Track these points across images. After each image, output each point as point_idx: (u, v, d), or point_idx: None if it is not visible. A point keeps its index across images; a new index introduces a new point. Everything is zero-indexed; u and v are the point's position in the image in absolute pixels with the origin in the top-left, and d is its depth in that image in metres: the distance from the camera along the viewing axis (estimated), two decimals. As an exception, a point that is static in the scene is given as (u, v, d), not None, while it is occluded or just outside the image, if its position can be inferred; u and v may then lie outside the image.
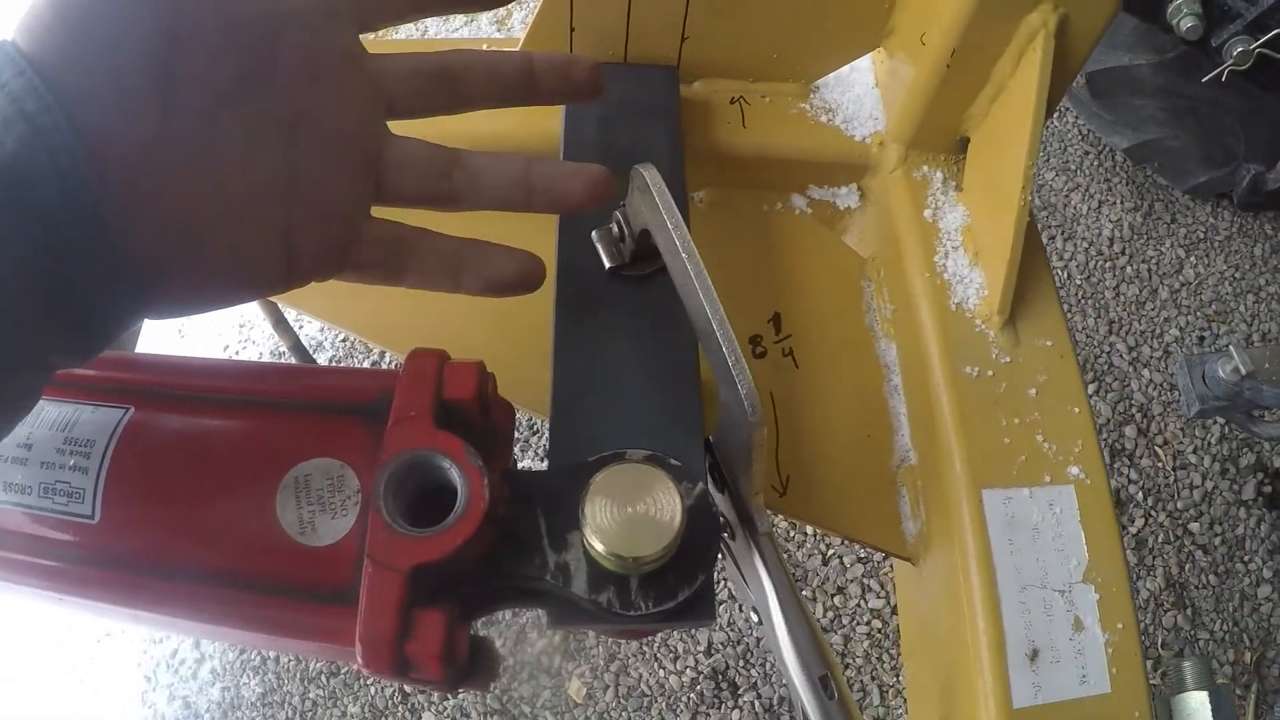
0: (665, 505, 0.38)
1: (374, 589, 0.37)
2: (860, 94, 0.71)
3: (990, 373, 0.59)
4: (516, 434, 0.47)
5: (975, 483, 0.55)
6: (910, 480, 0.60)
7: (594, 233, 0.53)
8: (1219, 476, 1.88)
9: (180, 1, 0.37)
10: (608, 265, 0.52)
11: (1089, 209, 2.15)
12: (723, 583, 1.71)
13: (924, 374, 0.60)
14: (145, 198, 0.36)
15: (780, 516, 0.58)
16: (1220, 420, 1.91)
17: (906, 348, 0.63)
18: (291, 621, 0.40)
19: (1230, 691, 0.63)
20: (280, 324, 1.44)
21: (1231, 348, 1.38)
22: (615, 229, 0.51)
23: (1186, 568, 1.80)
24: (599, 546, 0.38)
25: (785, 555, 0.49)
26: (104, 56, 0.35)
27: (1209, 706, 0.62)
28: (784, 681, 0.47)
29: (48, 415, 0.44)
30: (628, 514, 0.38)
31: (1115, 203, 2.16)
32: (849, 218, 0.71)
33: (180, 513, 0.42)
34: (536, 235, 0.56)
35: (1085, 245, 2.10)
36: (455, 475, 0.39)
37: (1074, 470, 0.57)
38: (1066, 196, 2.17)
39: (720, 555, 0.55)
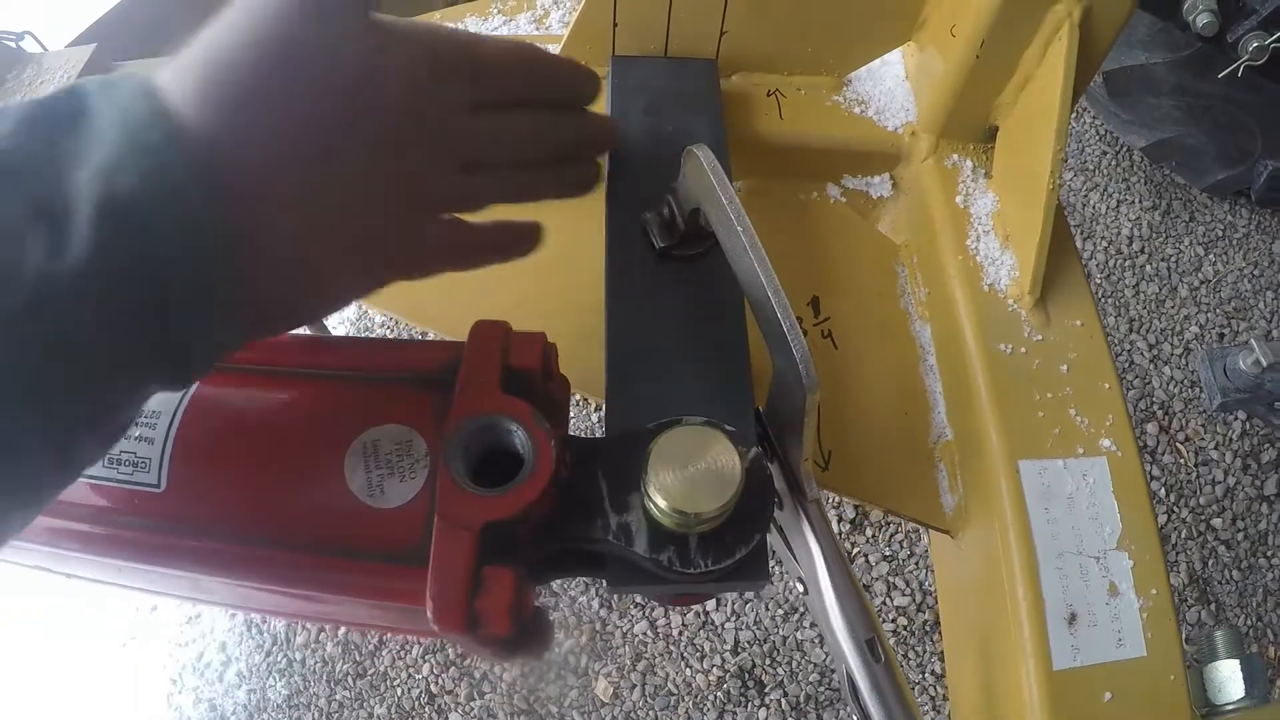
0: (725, 462, 0.40)
1: (445, 546, 0.38)
2: (892, 86, 0.73)
3: (1023, 350, 0.61)
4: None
5: (1011, 455, 0.57)
6: (947, 455, 0.62)
7: (645, 215, 0.55)
8: (1241, 472, 1.88)
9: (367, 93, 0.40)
10: (659, 245, 0.54)
11: (1107, 208, 2.16)
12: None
13: (959, 352, 0.62)
14: (267, 254, 0.38)
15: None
16: (1242, 415, 1.92)
17: (941, 328, 0.65)
18: (361, 583, 0.42)
19: (1261, 660, 0.64)
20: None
21: (1252, 340, 1.39)
22: (666, 210, 0.53)
23: (1209, 563, 1.80)
24: (662, 503, 0.40)
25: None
26: (262, 130, 0.37)
27: (1241, 675, 0.63)
28: (827, 651, 0.49)
29: None
30: (689, 472, 0.40)
31: (1134, 202, 2.18)
32: (882, 206, 0.73)
33: (248, 479, 0.44)
34: (581, 217, 0.58)
35: (1104, 244, 2.12)
36: (522, 437, 0.41)
37: (1106, 443, 0.59)
38: (1085, 196, 2.18)
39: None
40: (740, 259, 0.44)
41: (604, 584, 0.45)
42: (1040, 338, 0.62)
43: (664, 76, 0.65)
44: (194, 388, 0.46)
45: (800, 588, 0.55)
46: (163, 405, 0.45)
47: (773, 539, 0.55)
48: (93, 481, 0.44)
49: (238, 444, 0.44)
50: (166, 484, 0.43)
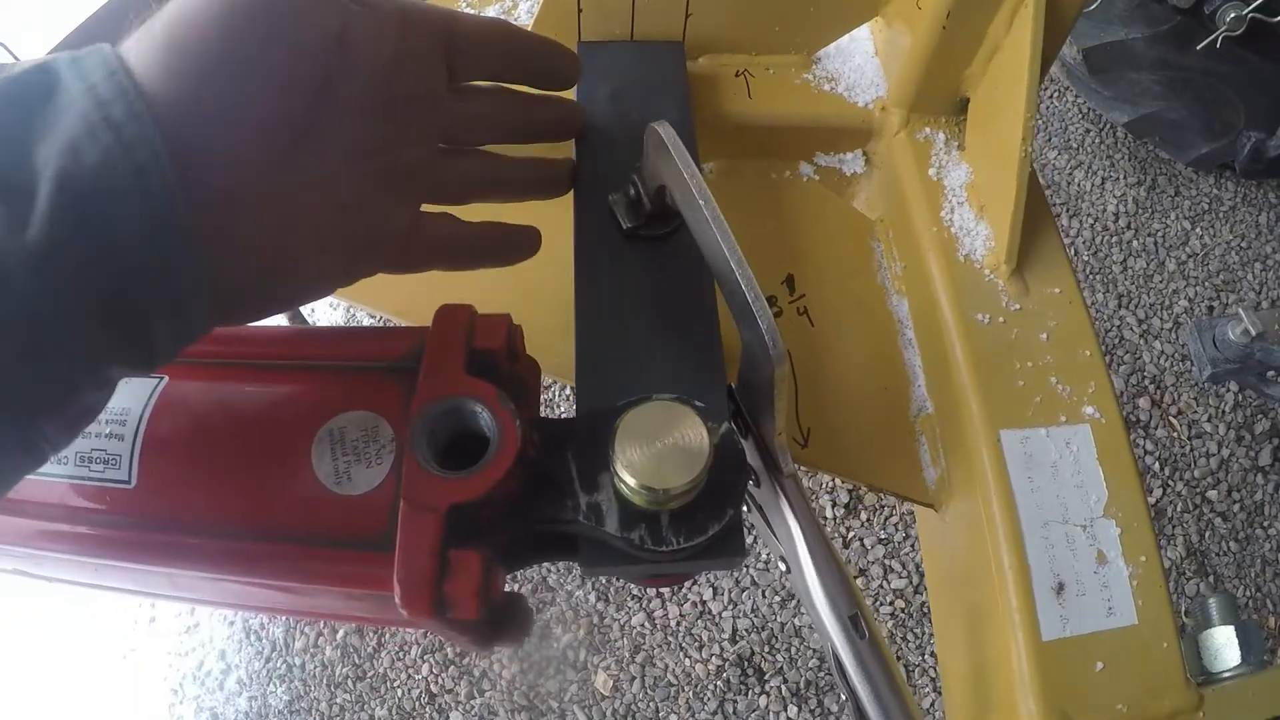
0: (693, 437, 0.40)
1: (411, 530, 0.38)
2: (861, 63, 0.72)
3: (1001, 319, 0.60)
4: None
5: (992, 424, 0.57)
6: (929, 429, 0.61)
7: (610, 196, 0.54)
8: (1234, 444, 1.88)
9: (341, 66, 0.40)
10: (626, 226, 0.53)
11: (1092, 185, 2.16)
12: (747, 565, 1.71)
13: (936, 325, 0.61)
14: (233, 233, 0.37)
15: (803, 469, 0.59)
16: (1234, 387, 1.92)
17: (918, 301, 0.65)
18: (331, 571, 0.41)
19: (1258, 626, 0.63)
20: (296, 315, 1.47)
21: (1240, 310, 1.39)
22: (632, 191, 0.53)
23: (1206, 535, 1.80)
24: (630, 481, 0.39)
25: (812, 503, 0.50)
26: (228, 101, 0.36)
27: (1236, 641, 0.62)
28: (812, 623, 0.48)
29: None
30: (657, 448, 0.39)
31: (1118, 178, 2.17)
32: (856, 183, 0.73)
33: (216, 471, 0.43)
34: (553, 210, 0.57)
35: (1091, 221, 2.11)
36: (487, 419, 0.40)
37: (1089, 410, 0.59)
38: (1069, 174, 2.18)
39: (746, 508, 0.56)
40: (704, 232, 0.44)
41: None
42: (1018, 307, 0.61)
43: (630, 61, 0.65)
44: (163, 383, 0.45)
45: (783, 567, 0.54)
46: (132, 401, 0.44)
47: (754, 518, 0.55)
48: (66, 480, 0.44)
49: (205, 437, 0.44)
50: (137, 480, 0.43)
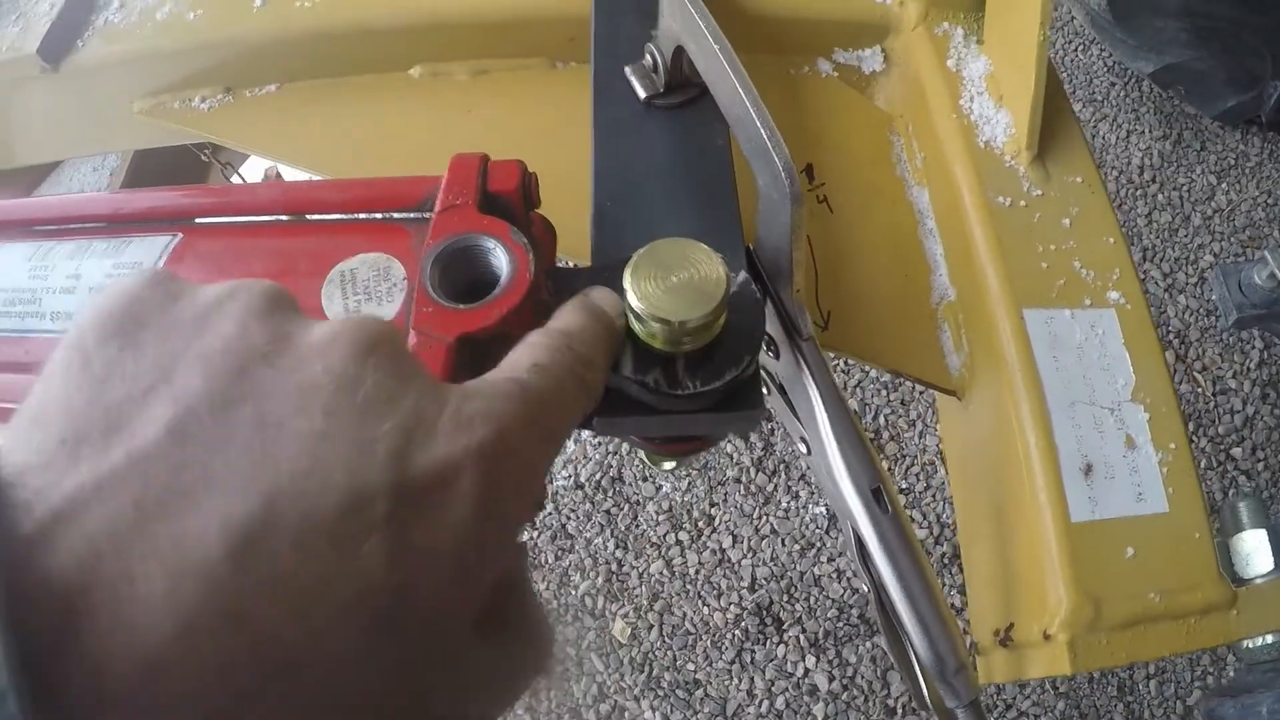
0: (709, 272, 0.39)
1: (420, 356, 0.37)
2: (879, -43, 0.71)
3: (1023, 203, 0.59)
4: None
5: (1016, 303, 0.56)
6: (951, 316, 0.60)
7: (627, 68, 0.53)
8: (1260, 401, 1.85)
9: None
10: (643, 96, 0.52)
11: (1117, 139, 2.13)
12: (767, 513, 1.71)
13: (957, 209, 0.60)
14: None
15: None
16: (1259, 345, 1.89)
17: (939, 189, 0.64)
18: None
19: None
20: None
21: (1267, 253, 1.36)
22: (649, 59, 0.52)
23: (1230, 494, 1.78)
24: (643, 312, 0.38)
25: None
26: None
27: (1269, 545, 0.60)
28: (828, 497, 0.47)
29: (96, 247, 0.45)
30: (671, 282, 0.38)
31: (1144, 131, 2.14)
32: (875, 82, 0.71)
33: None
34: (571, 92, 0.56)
35: (1115, 174, 2.09)
36: (501, 254, 0.39)
37: (1114, 295, 0.58)
38: (1094, 127, 2.15)
39: (766, 390, 0.55)
40: (721, 82, 0.43)
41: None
42: (1040, 192, 0.60)
43: None
44: (176, 239, 0.45)
45: (803, 449, 0.53)
46: (144, 255, 0.44)
47: (774, 401, 0.54)
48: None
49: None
50: None
